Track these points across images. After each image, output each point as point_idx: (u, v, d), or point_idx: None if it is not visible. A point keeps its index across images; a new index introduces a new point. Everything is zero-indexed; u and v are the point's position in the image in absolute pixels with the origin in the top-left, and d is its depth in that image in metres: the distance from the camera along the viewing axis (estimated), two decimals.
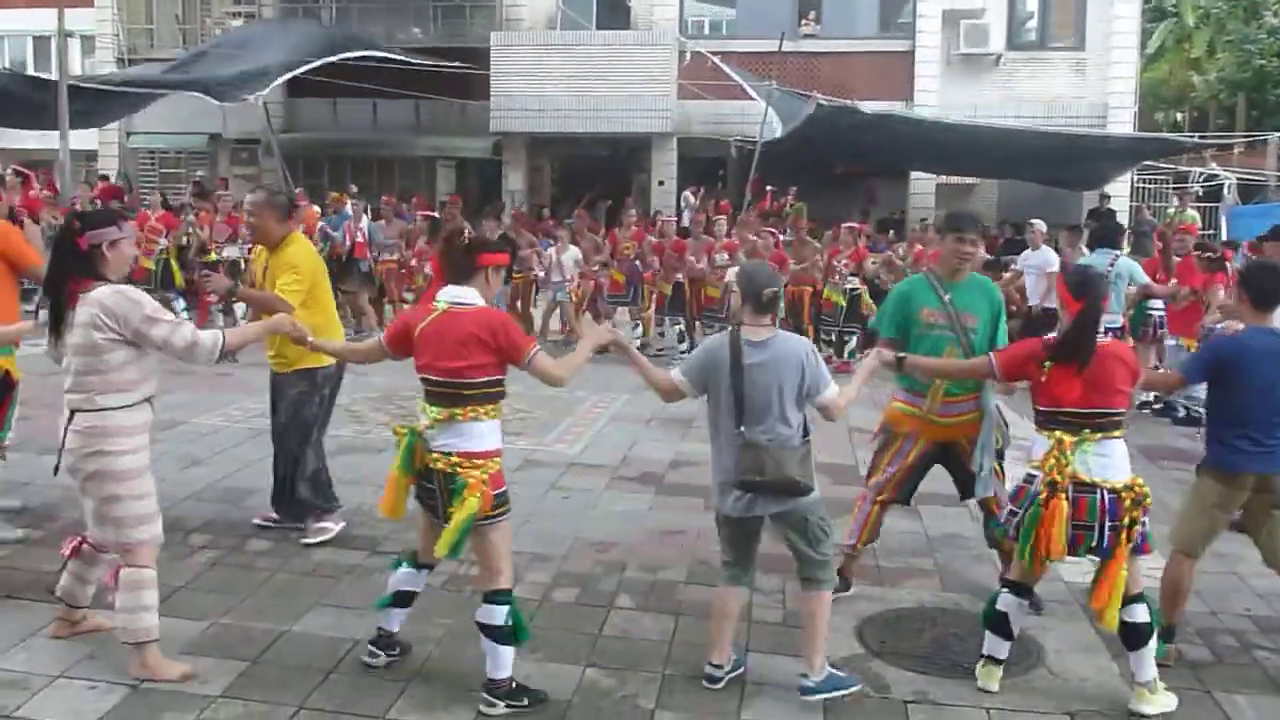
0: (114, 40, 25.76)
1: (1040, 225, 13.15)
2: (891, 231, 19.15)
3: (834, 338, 13.92)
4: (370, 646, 4.81)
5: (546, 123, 22.58)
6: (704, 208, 18.81)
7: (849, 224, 14.55)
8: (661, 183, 23.82)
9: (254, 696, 4.48)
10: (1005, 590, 4.85)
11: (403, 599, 4.82)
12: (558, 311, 14.80)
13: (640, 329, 14.70)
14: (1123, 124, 22.38)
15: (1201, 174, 24.39)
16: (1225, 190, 23.07)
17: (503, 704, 4.44)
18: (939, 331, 5.54)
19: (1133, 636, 4.62)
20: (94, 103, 20.49)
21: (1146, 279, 10.55)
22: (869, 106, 18.69)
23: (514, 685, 4.48)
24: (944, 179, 23.12)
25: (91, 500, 4.64)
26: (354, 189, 19.96)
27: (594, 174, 24.88)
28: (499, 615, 4.46)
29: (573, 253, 14.58)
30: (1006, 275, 12.85)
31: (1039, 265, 12.27)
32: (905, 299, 5.66)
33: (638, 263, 14.62)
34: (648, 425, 9.62)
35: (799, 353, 4.59)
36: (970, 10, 22.80)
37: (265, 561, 6.06)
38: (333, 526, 6.44)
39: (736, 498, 4.60)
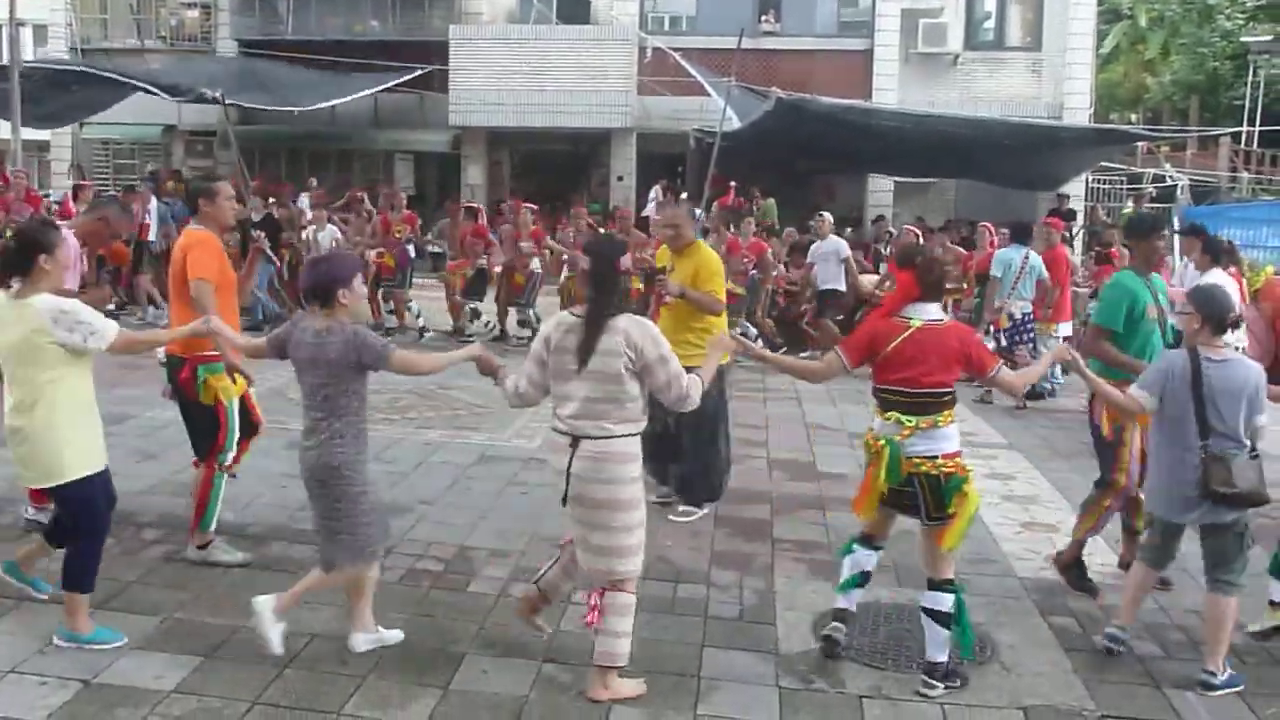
0: (67, 30, 25.38)
1: (828, 216, 14.66)
2: (850, 230, 19.24)
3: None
4: (834, 623, 5.03)
5: (506, 117, 22.47)
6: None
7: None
8: (621, 178, 23.80)
9: (208, 692, 4.45)
10: None
11: (864, 579, 5.12)
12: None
13: (416, 313, 14.81)
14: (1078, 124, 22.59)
15: (1154, 174, 24.75)
16: (1178, 191, 23.40)
17: (941, 685, 4.70)
18: (1153, 326, 5.95)
19: None
20: (53, 100, 20.30)
21: (1046, 274, 11.43)
22: (828, 102, 18.74)
23: (950, 668, 4.74)
24: (901, 177, 23.25)
25: (588, 528, 4.58)
26: (314, 183, 19.83)
27: (553, 168, 24.83)
28: (946, 602, 4.72)
29: (330, 231, 14.79)
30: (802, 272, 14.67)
31: (831, 252, 13.84)
32: (1134, 297, 5.91)
33: (410, 248, 14.75)
34: None
35: (1253, 375, 4.92)
36: (928, 10, 22.92)
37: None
38: (699, 512, 7.02)
39: (1197, 506, 4.91)
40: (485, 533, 6.56)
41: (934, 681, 4.71)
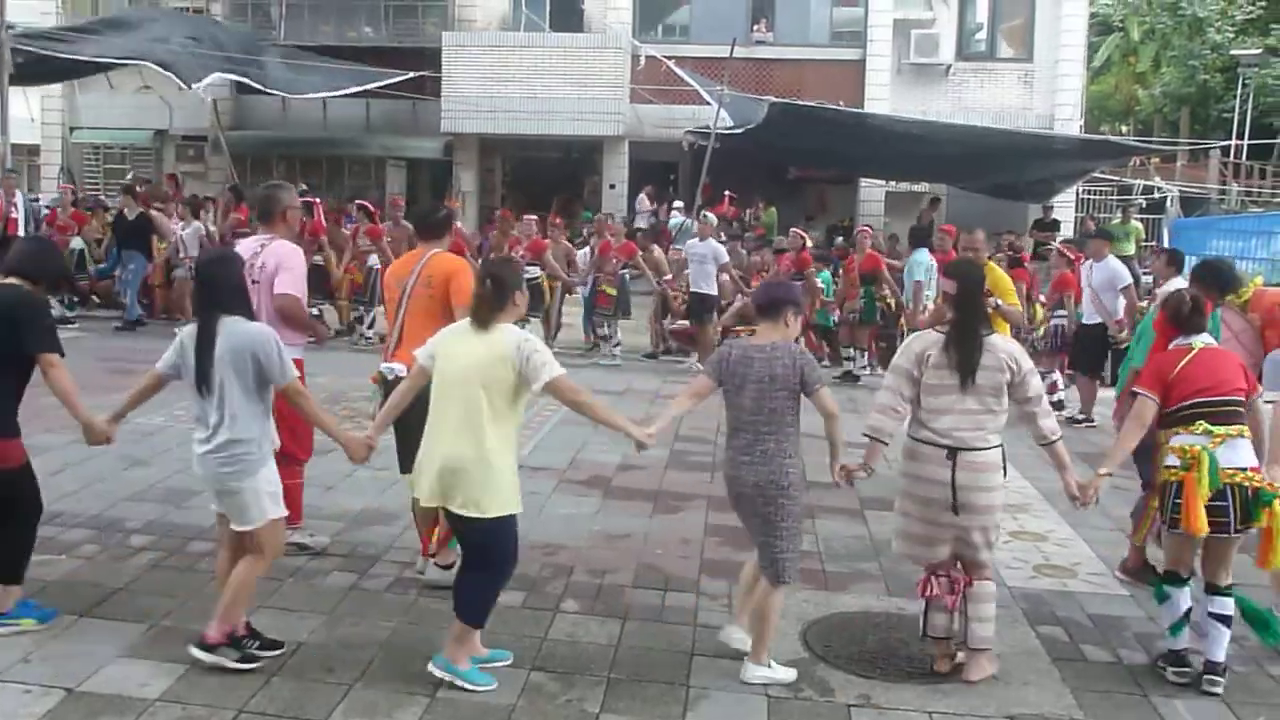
0: (57, 20, 25.26)
1: (712, 219, 15.11)
2: (841, 239, 19.27)
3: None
4: (1174, 669, 5.07)
5: (498, 124, 22.48)
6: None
7: (529, 216, 15.63)
8: (613, 186, 23.81)
9: (194, 700, 4.42)
10: None
11: (1188, 616, 5.10)
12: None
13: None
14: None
15: (1145, 186, 24.81)
16: (1168, 203, 23.49)
17: (1223, 680, 4.93)
18: None
19: None
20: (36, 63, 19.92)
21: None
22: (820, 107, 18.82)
23: (1224, 667, 4.97)
24: (893, 186, 23.30)
25: (969, 530, 4.85)
26: (304, 187, 19.80)
27: (546, 176, 24.82)
28: (1230, 606, 4.98)
29: (195, 228, 15.10)
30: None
31: (709, 256, 13.72)
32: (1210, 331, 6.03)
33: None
34: (596, 428, 9.59)
35: None
36: (921, 20, 23.00)
37: (207, 563, 5.98)
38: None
39: None
40: None
41: (1218, 678, 4.91)
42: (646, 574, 6.13)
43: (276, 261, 5.87)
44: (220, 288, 4.74)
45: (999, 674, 5.02)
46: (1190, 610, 5.07)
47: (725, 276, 14.07)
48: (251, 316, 4.82)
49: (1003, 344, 4.87)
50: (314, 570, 5.93)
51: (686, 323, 14.40)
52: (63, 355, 4.93)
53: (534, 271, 14.12)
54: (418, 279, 5.83)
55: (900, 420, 4.99)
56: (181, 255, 14.95)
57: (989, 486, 4.81)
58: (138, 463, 7.86)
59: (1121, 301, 10.72)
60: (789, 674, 4.88)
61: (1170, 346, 5.21)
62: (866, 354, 13.49)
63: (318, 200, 16.45)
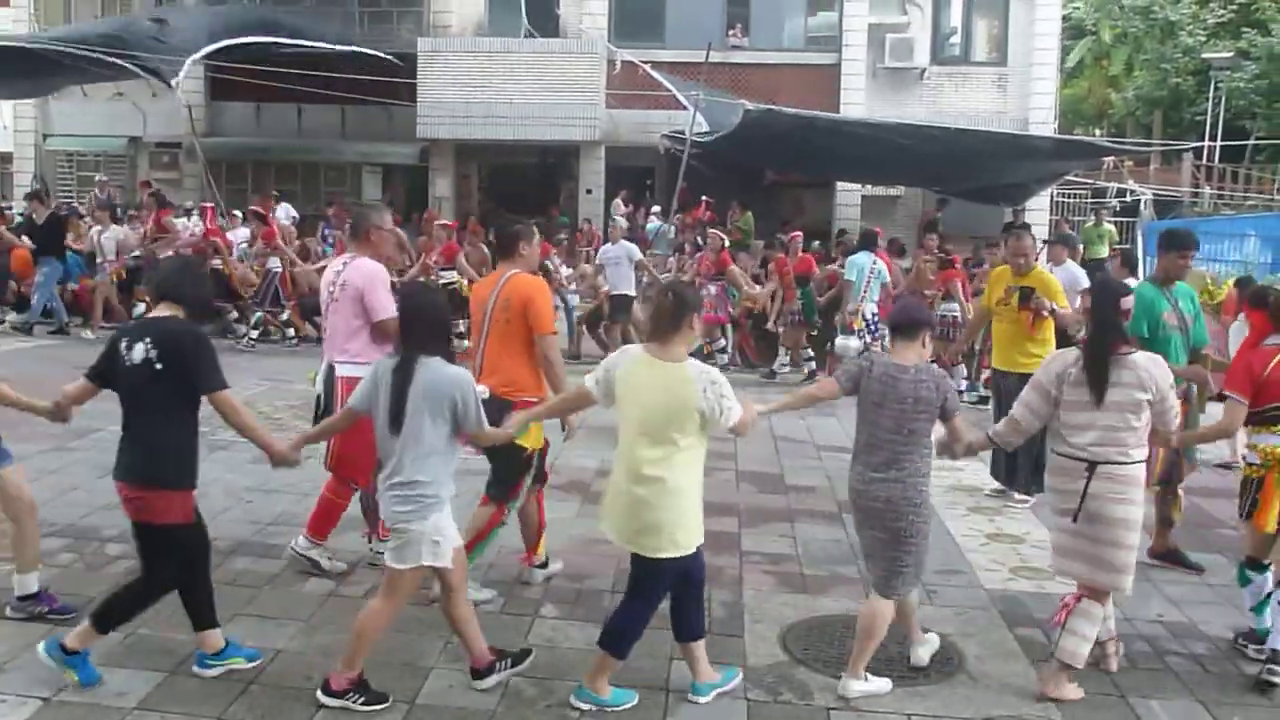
0: (30, 29, 25.10)
1: (622, 222, 15.78)
2: (817, 243, 19.30)
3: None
4: (1255, 647, 5.35)
5: (474, 129, 22.41)
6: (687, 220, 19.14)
7: (441, 221, 15.83)
8: (589, 191, 23.79)
9: (172, 708, 4.40)
10: None
11: (1269, 598, 5.28)
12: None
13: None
14: None
15: (1118, 189, 24.98)
16: (1142, 205, 23.65)
17: None
18: (1174, 333, 6.50)
19: None
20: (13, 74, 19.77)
21: (889, 278, 12.99)
22: (795, 112, 18.82)
23: None
24: (869, 190, 23.36)
25: (1097, 544, 4.85)
26: (276, 194, 19.70)
27: (522, 181, 24.79)
28: None
29: (113, 233, 15.10)
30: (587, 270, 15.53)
31: (622, 256, 14.15)
32: (1150, 304, 6.50)
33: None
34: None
35: None
36: (895, 25, 23.08)
37: None
38: (1031, 499, 7.94)
39: None
40: None
41: (1278, 668, 5.04)
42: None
43: (357, 284, 5.77)
44: (421, 326, 4.59)
45: (975, 676, 5.05)
46: (1269, 596, 5.28)
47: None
48: (450, 358, 4.64)
49: (1145, 363, 4.84)
50: (291, 578, 5.91)
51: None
52: (228, 387, 4.69)
53: (450, 276, 14.19)
54: (496, 302, 5.70)
55: (1022, 435, 5.14)
56: (100, 260, 14.99)
57: (1124, 499, 4.80)
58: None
59: (1079, 303, 11.03)
60: (885, 684, 4.89)
61: (1264, 344, 5.33)
62: (811, 354, 13.99)
63: (210, 206, 16.56)
